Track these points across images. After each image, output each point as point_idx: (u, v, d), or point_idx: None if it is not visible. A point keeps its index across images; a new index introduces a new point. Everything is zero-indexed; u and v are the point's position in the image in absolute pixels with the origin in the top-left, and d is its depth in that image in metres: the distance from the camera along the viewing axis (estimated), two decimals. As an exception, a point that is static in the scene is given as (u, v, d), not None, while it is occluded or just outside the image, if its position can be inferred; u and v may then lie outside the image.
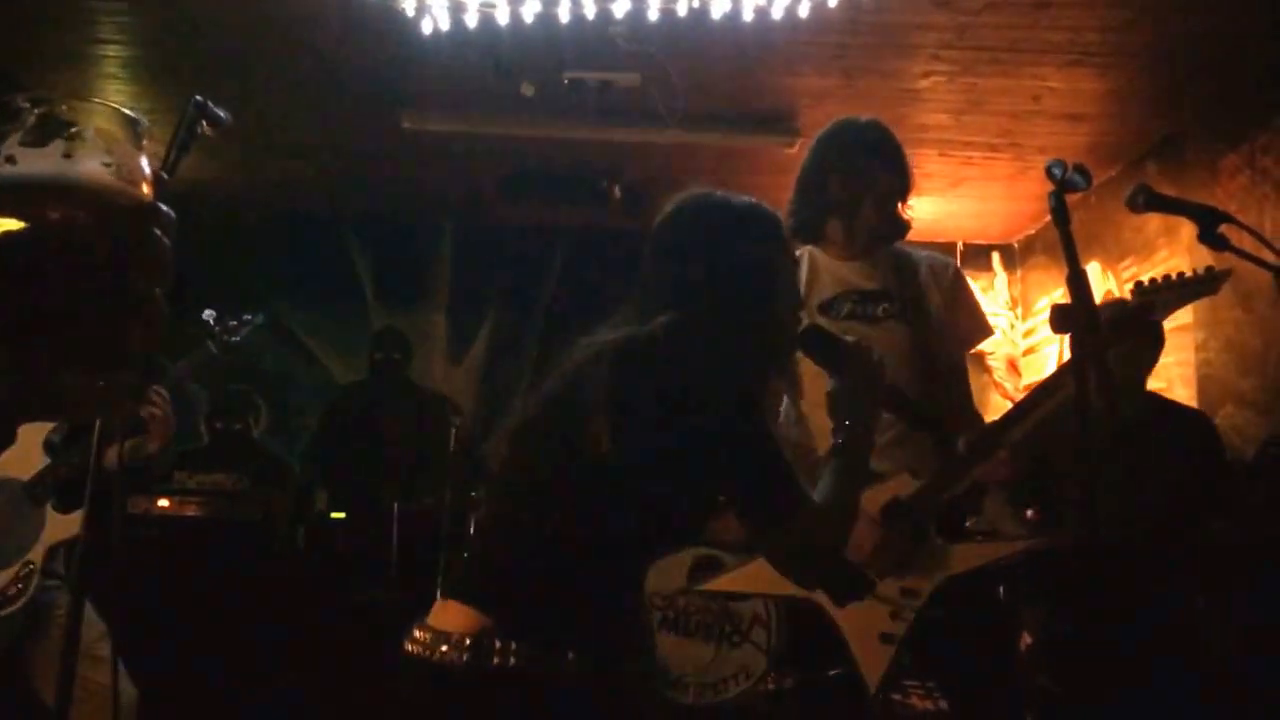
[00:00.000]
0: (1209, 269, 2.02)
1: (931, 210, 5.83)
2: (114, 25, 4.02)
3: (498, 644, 1.28)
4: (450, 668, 1.29)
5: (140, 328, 0.60)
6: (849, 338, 1.57)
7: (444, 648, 1.29)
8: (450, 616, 1.34)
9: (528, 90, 4.29)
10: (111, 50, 4.21)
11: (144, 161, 0.62)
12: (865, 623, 2.11)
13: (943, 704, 3.49)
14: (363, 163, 5.40)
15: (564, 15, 3.68)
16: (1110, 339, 2.05)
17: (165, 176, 0.64)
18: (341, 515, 4.60)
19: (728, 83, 4.36)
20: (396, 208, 6.10)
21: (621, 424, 1.31)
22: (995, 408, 5.88)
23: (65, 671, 1.67)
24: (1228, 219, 1.86)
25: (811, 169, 2.32)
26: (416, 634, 1.35)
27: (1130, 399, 3.10)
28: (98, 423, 1.83)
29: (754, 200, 1.54)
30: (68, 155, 0.58)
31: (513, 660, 1.27)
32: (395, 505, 4.34)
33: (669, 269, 1.48)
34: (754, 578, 2.32)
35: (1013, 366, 6.35)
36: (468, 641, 1.29)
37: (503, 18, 3.71)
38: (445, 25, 3.76)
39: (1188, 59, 4.01)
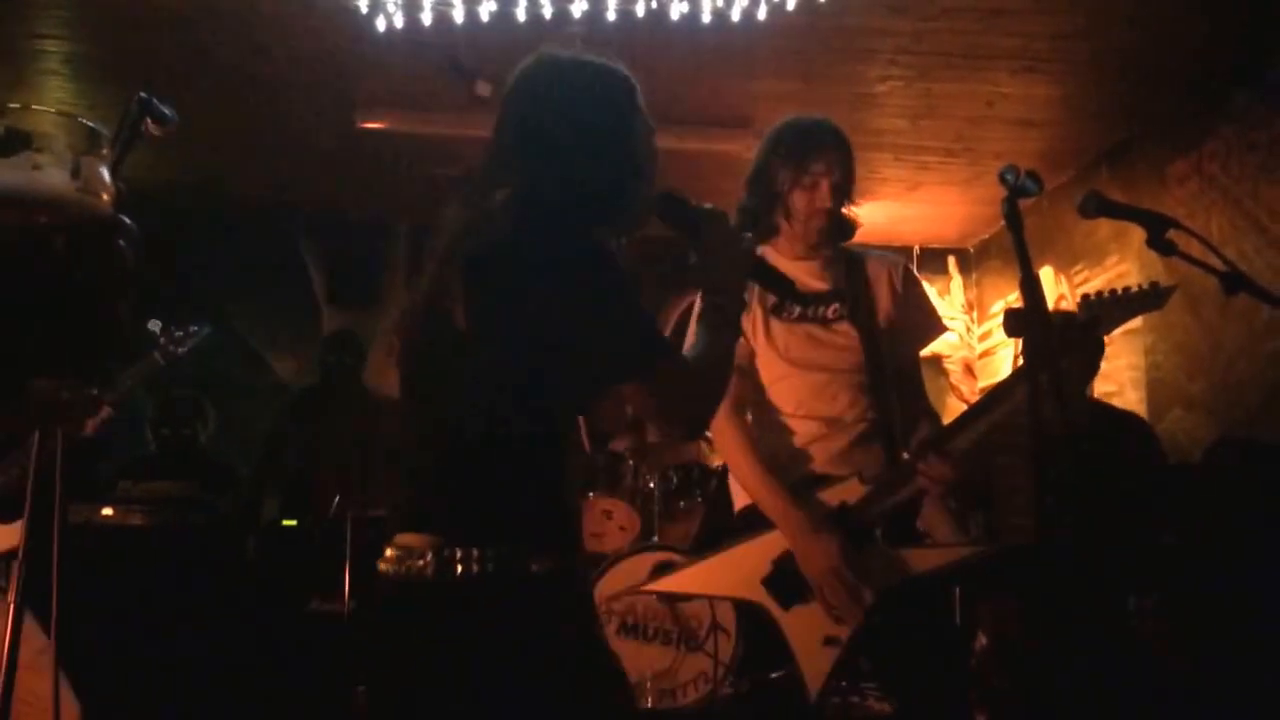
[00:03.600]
0: (1154, 284, 2.06)
1: (888, 214, 5.87)
2: (55, 19, 3.91)
3: (469, 553, 1.31)
4: (423, 580, 1.32)
5: (103, 339, 0.59)
6: (708, 206, 1.54)
7: (417, 561, 1.32)
8: (413, 540, 1.36)
9: (484, 90, 4.26)
10: (52, 45, 4.10)
11: (106, 172, 0.61)
12: (809, 626, 2.12)
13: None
14: (315, 162, 5.32)
15: (521, 15, 3.65)
16: (1058, 350, 2.06)
17: (123, 187, 0.63)
18: (293, 523, 4.52)
19: (685, 85, 4.35)
20: (350, 208, 6.03)
21: (486, 316, 1.34)
22: (952, 410, 5.93)
23: (5, 685, 1.61)
24: (1176, 225, 1.89)
25: (758, 164, 2.32)
26: (388, 554, 1.37)
27: (1073, 406, 3.13)
28: (36, 432, 1.78)
29: (600, 59, 1.52)
30: (37, 167, 0.57)
31: (488, 567, 1.30)
32: (348, 513, 4.28)
33: (508, 137, 1.48)
34: (700, 579, 2.32)
35: (969, 369, 6.41)
36: (443, 554, 1.31)
37: (458, 16, 3.67)
38: (399, 23, 3.72)
39: (1137, 67, 4.08)
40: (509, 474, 1.36)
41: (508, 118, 1.50)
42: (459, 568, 1.30)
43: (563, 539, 1.41)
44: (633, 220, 1.52)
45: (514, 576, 1.32)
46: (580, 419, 1.50)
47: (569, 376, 1.37)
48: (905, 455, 2.15)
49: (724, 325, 1.50)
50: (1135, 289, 2.05)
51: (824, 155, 2.25)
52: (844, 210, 2.30)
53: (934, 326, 2.41)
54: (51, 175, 0.59)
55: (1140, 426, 3.38)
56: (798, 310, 2.27)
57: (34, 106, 0.60)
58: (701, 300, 1.52)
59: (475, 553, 1.31)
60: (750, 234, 2.11)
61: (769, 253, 2.34)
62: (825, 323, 2.27)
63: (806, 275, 2.30)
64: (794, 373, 2.25)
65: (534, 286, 1.33)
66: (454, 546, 1.31)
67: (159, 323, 2.91)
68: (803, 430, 2.24)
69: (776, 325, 2.26)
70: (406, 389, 1.47)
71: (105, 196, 0.61)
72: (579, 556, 1.47)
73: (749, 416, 2.35)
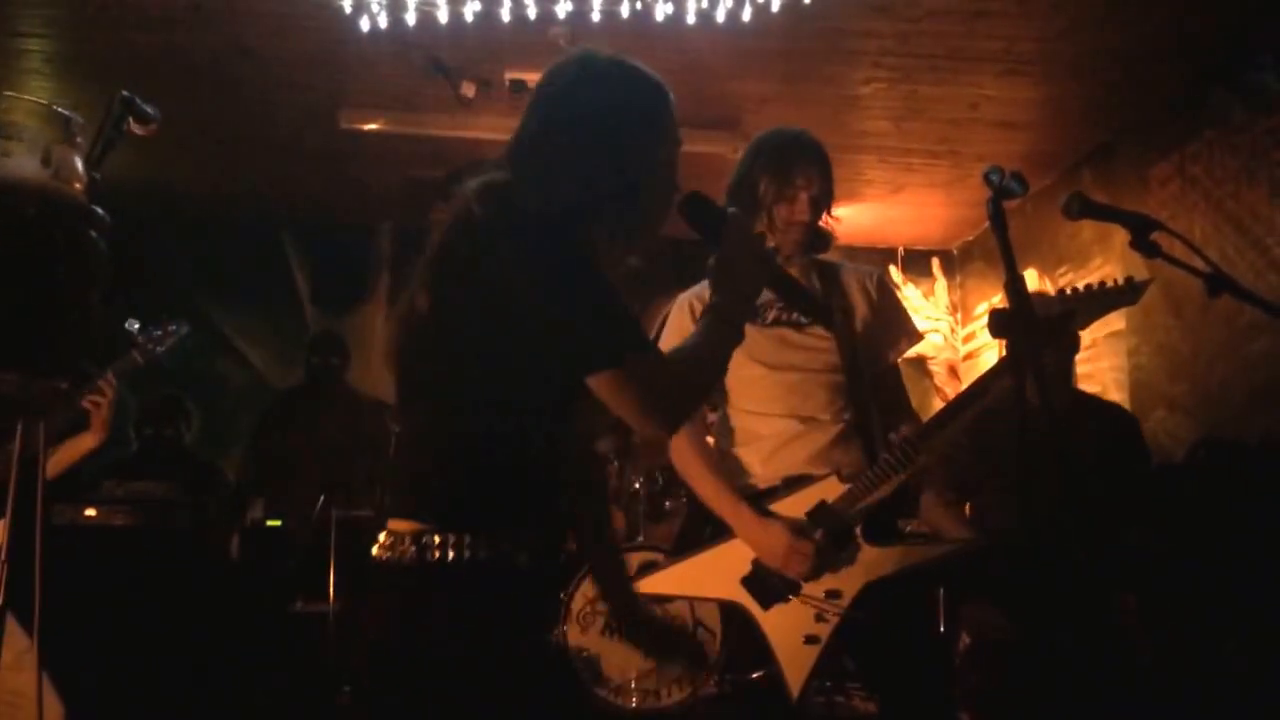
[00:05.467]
0: (1129, 279, 2.08)
1: (872, 216, 5.89)
2: (37, 18, 3.89)
3: (447, 539, 1.32)
4: (408, 564, 1.33)
5: (74, 332, 0.58)
6: (732, 209, 1.56)
7: (403, 547, 1.34)
8: (402, 526, 1.37)
9: (468, 90, 4.25)
10: (34, 44, 4.08)
11: (79, 161, 0.60)
12: (789, 625, 2.13)
13: (884, 706, 3.52)
14: (298, 162, 5.30)
15: (505, 15, 3.65)
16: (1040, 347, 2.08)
17: (97, 177, 0.62)
18: (277, 523, 4.50)
19: (670, 86, 4.35)
20: (333, 208, 6.01)
21: (453, 303, 1.36)
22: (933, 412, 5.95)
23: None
24: (1159, 226, 1.90)
25: (742, 172, 2.34)
26: (381, 539, 1.38)
27: (1057, 392, 3.14)
28: (19, 430, 1.77)
29: (645, 69, 1.54)
30: (7, 155, 0.56)
31: (466, 554, 1.31)
32: (333, 513, 4.26)
33: (526, 132, 1.48)
34: (682, 579, 2.32)
35: (953, 371, 6.44)
36: (421, 539, 1.32)
37: (443, 16, 3.66)
38: (384, 23, 3.71)
39: (1119, 70, 4.11)
40: (491, 465, 1.37)
41: (531, 112, 1.50)
42: (437, 553, 1.31)
43: (545, 533, 1.41)
44: (638, 228, 1.51)
45: (494, 566, 1.32)
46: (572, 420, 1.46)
47: (538, 367, 1.36)
48: (884, 455, 2.16)
49: (724, 326, 1.49)
50: (1112, 284, 2.07)
51: (806, 168, 2.28)
52: (821, 223, 2.34)
53: (909, 334, 2.44)
54: (22, 163, 0.57)
55: (1125, 417, 3.40)
56: (771, 315, 2.30)
57: (5, 93, 0.59)
58: (710, 298, 1.52)
59: (452, 539, 1.32)
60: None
61: None
62: (798, 326, 2.30)
63: None
64: (768, 374, 2.27)
65: (500, 272, 1.34)
66: (434, 533, 1.32)
67: (136, 322, 2.89)
68: (781, 430, 2.26)
69: (750, 330, 2.28)
70: (397, 385, 1.48)
71: (77, 185, 0.60)
72: (558, 554, 1.47)
73: (718, 421, 2.39)
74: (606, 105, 1.47)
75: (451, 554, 1.31)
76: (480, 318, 1.36)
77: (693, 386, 1.47)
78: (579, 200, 1.40)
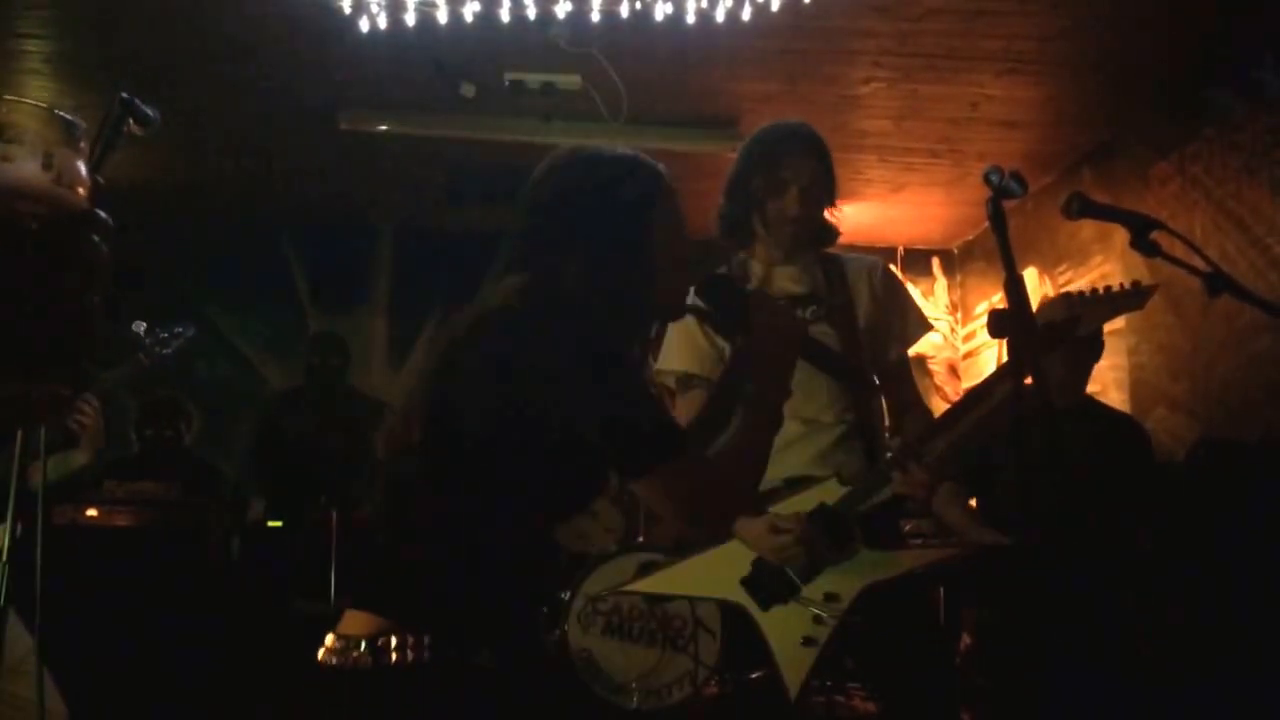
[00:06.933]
0: (1135, 284, 2.06)
1: (872, 215, 5.89)
2: (36, 19, 3.89)
3: (405, 640, 1.25)
4: (361, 670, 1.26)
5: (77, 337, 0.58)
6: (752, 288, 1.53)
7: (355, 652, 1.27)
8: (356, 622, 1.31)
9: (468, 91, 4.25)
10: (33, 45, 4.08)
11: (82, 165, 0.60)
12: (787, 627, 2.12)
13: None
14: (298, 164, 5.30)
15: (505, 15, 3.65)
16: (1039, 348, 2.08)
17: (101, 181, 0.62)
18: (278, 524, 4.50)
19: (670, 85, 4.36)
20: (334, 210, 6.00)
21: (483, 402, 1.30)
22: (937, 411, 5.94)
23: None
24: (1159, 225, 1.90)
25: (735, 171, 2.32)
26: (328, 643, 1.32)
27: (1067, 398, 3.14)
28: (19, 435, 1.77)
29: (631, 153, 1.49)
30: (7, 159, 0.56)
31: (425, 655, 1.25)
32: (334, 514, 4.26)
33: (530, 226, 1.44)
34: (682, 579, 2.32)
35: (953, 370, 6.44)
36: (378, 642, 1.26)
37: (442, 17, 3.66)
38: (383, 24, 3.71)
39: (1120, 69, 4.10)
40: (462, 559, 1.31)
41: (533, 211, 1.45)
42: (394, 655, 1.25)
43: (513, 630, 1.35)
44: (647, 322, 1.50)
45: (453, 667, 1.26)
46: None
47: (554, 470, 1.32)
48: (888, 455, 2.15)
49: (765, 416, 1.45)
50: (1117, 288, 2.06)
51: (794, 161, 2.23)
52: (823, 215, 2.30)
53: (918, 325, 2.40)
54: (22, 167, 0.57)
55: (1134, 427, 3.40)
56: None
57: (6, 97, 0.58)
58: (749, 386, 1.47)
59: (411, 639, 1.25)
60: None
61: (745, 258, 2.34)
62: None
63: (785, 279, 2.29)
64: None
65: (525, 371, 1.29)
66: (391, 633, 1.25)
67: (143, 324, 2.90)
68: (782, 431, 2.24)
69: None
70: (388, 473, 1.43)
71: (81, 190, 0.60)
72: (530, 652, 1.42)
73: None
74: (608, 201, 1.41)
75: (411, 655, 1.24)
76: (488, 412, 1.31)
77: (733, 487, 1.44)
78: (593, 290, 1.35)
